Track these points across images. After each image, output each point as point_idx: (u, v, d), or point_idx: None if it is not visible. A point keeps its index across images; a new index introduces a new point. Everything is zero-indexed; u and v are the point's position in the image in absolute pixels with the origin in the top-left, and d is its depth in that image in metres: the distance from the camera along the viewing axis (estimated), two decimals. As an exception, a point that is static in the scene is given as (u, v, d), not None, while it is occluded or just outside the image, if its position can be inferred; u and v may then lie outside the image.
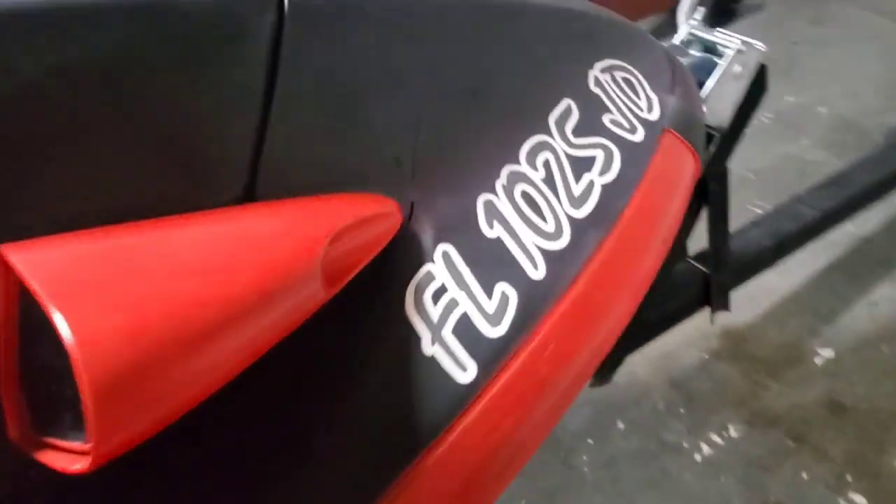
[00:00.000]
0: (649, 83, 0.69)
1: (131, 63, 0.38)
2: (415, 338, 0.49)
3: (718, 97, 0.97)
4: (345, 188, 0.47)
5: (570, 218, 0.57)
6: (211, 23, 0.40)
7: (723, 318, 1.26)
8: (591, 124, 0.63)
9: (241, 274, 0.36)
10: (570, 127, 0.61)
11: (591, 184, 0.60)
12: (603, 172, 0.61)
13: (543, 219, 0.56)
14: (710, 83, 0.95)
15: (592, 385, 1.15)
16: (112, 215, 0.37)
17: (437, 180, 0.53)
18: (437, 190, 0.53)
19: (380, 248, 0.46)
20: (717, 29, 1.02)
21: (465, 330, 0.50)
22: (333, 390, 0.48)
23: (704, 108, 0.98)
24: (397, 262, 0.49)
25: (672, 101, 0.69)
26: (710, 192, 1.07)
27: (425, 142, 0.52)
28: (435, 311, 0.49)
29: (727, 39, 0.99)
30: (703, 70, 0.97)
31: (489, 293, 0.52)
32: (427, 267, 0.51)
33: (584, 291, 0.55)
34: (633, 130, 0.65)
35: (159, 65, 0.39)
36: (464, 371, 0.50)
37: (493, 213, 0.55)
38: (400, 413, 0.48)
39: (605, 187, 0.60)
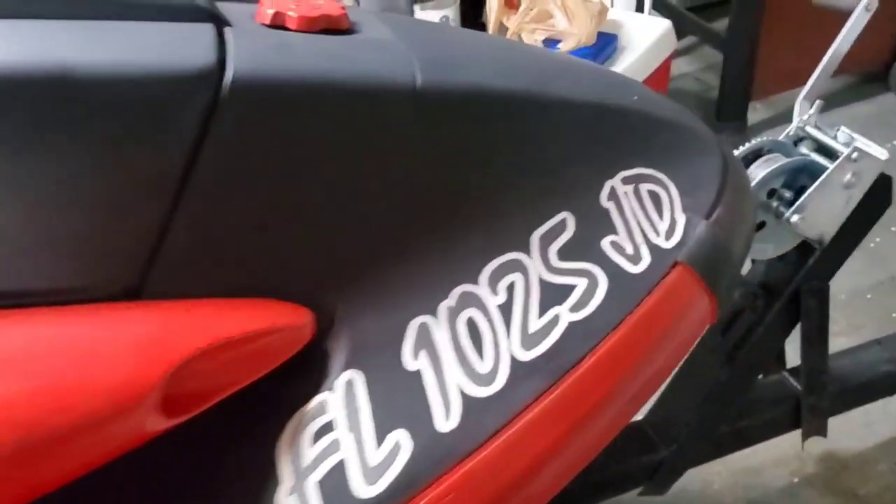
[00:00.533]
0: (683, 200, 0.59)
1: (27, 127, 0.35)
2: (272, 483, 0.42)
3: (820, 207, 0.85)
4: (254, 293, 0.43)
5: (512, 359, 0.48)
6: (130, 97, 0.37)
7: (826, 440, 1.11)
8: (584, 246, 0.54)
9: (43, 387, 0.32)
10: (556, 246, 0.53)
11: (555, 319, 0.51)
12: (576, 308, 0.52)
13: (480, 355, 0.48)
14: (811, 190, 0.84)
15: (642, 493, 1.04)
16: None
17: (370, 294, 0.47)
18: (368, 305, 0.47)
19: (273, 366, 0.41)
20: (840, 127, 0.90)
21: (334, 484, 0.43)
22: None
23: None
24: (292, 384, 0.44)
25: (702, 227, 0.58)
26: (804, 310, 0.94)
27: (363, 250, 0.46)
28: (310, 453, 0.43)
29: (843, 140, 0.87)
30: (808, 174, 0.86)
31: (380, 440, 0.44)
32: (323, 395, 0.44)
33: (497, 452, 0.46)
34: (635, 259, 0.55)
35: (61, 133, 0.36)
36: None
37: (424, 340, 0.48)
38: None
39: (571, 326, 0.51)
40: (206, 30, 0.44)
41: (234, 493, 0.42)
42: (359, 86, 0.46)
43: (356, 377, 0.45)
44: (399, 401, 0.45)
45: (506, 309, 0.50)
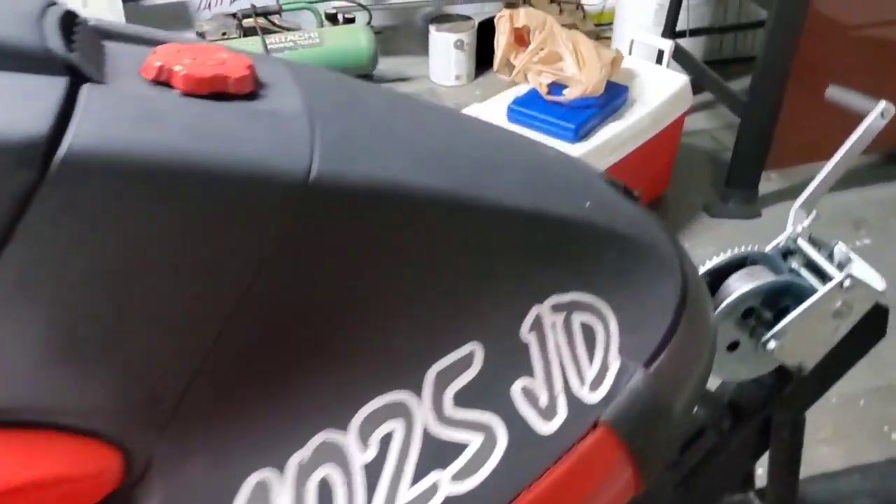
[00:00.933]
0: (622, 339, 0.48)
1: None
2: None
3: (802, 334, 0.75)
4: (46, 426, 0.34)
5: None
6: None
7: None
8: (489, 390, 0.43)
9: None
10: (455, 388, 0.43)
11: (431, 489, 0.41)
12: (461, 476, 0.41)
13: None
14: (793, 314, 0.73)
15: None
16: None
17: (199, 435, 0.38)
18: (196, 450, 0.37)
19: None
20: (837, 242, 0.79)
21: None
22: None
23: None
24: None
25: (638, 377, 0.47)
26: (774, 440, 0.84)
27: (197, 377, 0.37)
28: None
29: (839, 260, 0.76)
30: (793, 294, 0.76)
31: None
32: None
33: None
34: (548, 414, 0.44)
35: None
36: None
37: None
38: None
39: (449, 502, 0.41)
40: (55, 86, 0.35)
41: None
42: (230, 173, 0.37)
43: None
44: None
45: (373, 470, 0.41)
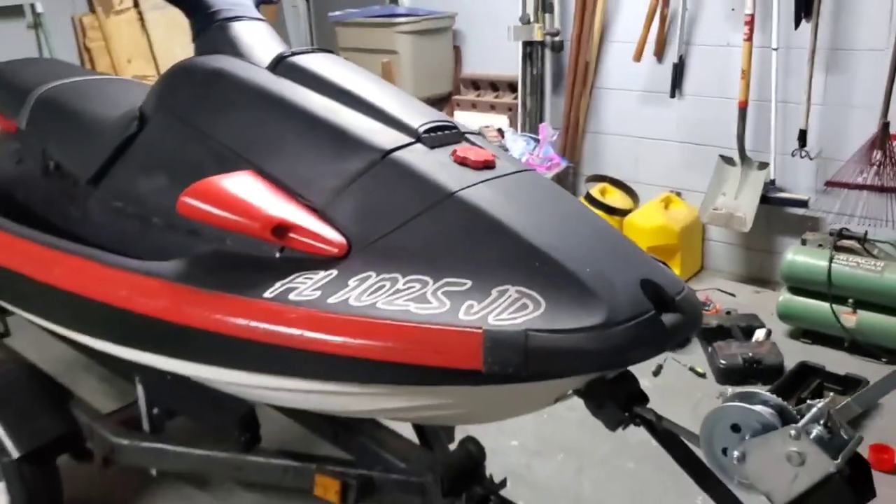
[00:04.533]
0: (537, 318, 1.09)
1: None
2: None
3: (765, 461, 1.05)
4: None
5: None
6: None
7: None
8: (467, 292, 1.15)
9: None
10: (453, 287, 1.15)
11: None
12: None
13: None
14: (750, 437, 1.06)
15: None
16: None
17: (382, 256, 1.20)
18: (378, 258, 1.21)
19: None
20: (818, 402, 1.08)
21: None
22: None
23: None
24: None
25: (519, 332, 1.08)
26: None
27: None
28: None
29: (809, 416, 1.04)
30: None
31: None
32: None
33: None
34: (467, 310, 1.13)
35: None
36: None
37: None
38: None
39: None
40: None
41: None
42: None
43: None
44: None
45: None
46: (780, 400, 1.13)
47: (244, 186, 1.33)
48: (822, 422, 1.06)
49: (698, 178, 3.35)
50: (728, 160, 3.23)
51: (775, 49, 3.02)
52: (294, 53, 1.57)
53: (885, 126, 2.80)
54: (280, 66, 1.54)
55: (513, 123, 3.83)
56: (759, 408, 1.10)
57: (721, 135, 3.26)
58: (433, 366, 1.10)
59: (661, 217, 3.35)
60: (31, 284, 1.69)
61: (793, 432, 1.04)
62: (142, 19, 3.94)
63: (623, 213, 3.46)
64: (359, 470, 1.59)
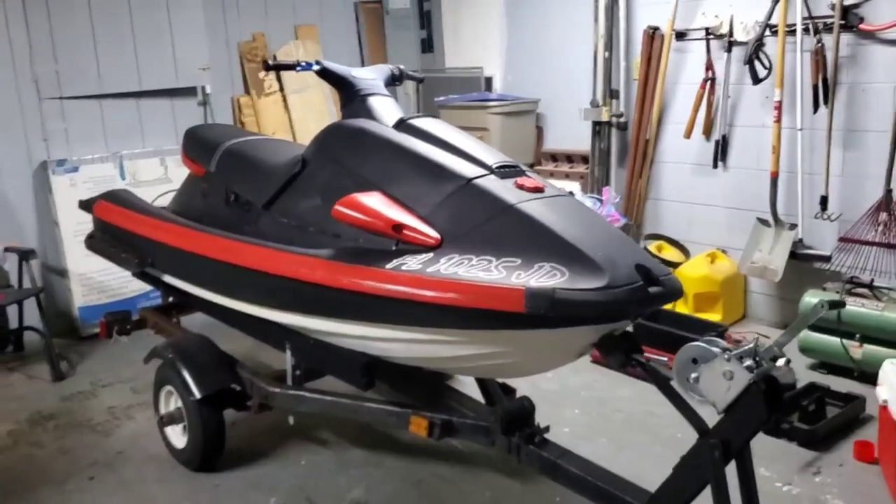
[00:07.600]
0: (562, 280, 1.77)
1: None
2: None
3: (711, 379, 1.68)
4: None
5: None
6: None
7: None
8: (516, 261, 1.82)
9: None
10: (509, 262, 1.84)
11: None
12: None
13: None
14: (702, 364, 1.70)
15: None
16: None
17: (466, 245, 1.91)
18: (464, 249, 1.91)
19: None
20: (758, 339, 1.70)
21: None
22: None
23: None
24: None
25: (550, 291, 1.74)
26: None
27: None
28: None
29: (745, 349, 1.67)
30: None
31: None
32: None
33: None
34: (519, 275, 1.80)
35: None
36: None
37: None
38: None
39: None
40: None
41: None
42: None
43: None
44: None
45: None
46: (726, 343, 1.76)
47: (375, 200, 2.11)
48: (752, 356, 1.67)
49: (740, 238, 3.95)
50: (764, 222, 3.83)
51: (800, 129, 3.63)
52: (411, 117, 2.41)
53: (889, 192, 3.38)
54: (401, 125, 2.38)
55: (584, 189, 4.55)
56: (711, 347, 1.73)
57: (758, 200, 3.87)
58: (494, 309, 1.75)
59: (706, 269, 3.96)
60: (225, 268, 2.46)
61: (727, 356, 1.67)
62: (285, 101, 4.93)
63: (675, 265, 4.06)
64: (442, 415, 2.28)
